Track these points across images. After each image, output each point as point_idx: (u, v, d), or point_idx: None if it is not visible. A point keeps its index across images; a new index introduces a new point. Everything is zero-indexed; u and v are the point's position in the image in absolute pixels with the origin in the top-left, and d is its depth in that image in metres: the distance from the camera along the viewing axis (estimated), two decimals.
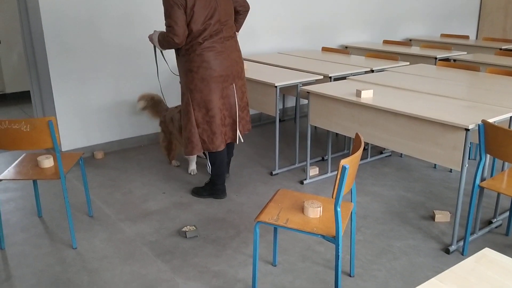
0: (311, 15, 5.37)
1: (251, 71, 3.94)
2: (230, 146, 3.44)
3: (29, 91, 4.45)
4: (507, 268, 1.25)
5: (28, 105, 5.59)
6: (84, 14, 3.90)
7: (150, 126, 4.46)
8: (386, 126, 2.85)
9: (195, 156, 3.78)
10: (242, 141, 3.24)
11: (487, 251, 1.33)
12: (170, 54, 3.22)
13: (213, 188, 3.30)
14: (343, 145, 4.39)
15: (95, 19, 3.96)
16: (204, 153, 3.28)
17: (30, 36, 4.10)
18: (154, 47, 3.24)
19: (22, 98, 5.95)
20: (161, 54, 3.30)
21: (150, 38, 3.14)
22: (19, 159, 2.87)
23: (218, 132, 3.09)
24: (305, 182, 3.57)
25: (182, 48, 2.98)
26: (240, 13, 3.24)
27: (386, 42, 5.79)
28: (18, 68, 5.92)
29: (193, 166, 3.77)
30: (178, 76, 3.17)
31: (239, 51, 3.17)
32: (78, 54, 3.95)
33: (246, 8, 3.26)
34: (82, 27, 3.92)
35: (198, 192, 3.35)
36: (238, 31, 3.28)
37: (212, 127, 3.07)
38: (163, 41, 2.95)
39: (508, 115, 2.65)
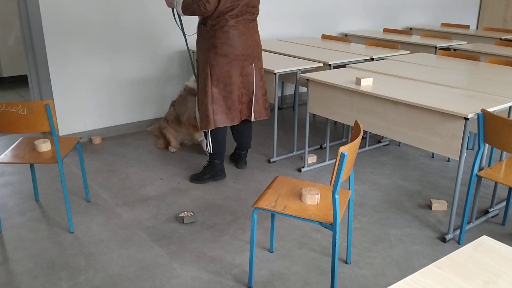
0: (311, 2, 5.33)
1: None
2: (248, 135, 3.49)
3: (26, 76, 4.42)
4: (504, 255, 1.25)
5: (25, 90, 5.55)
6: None
7: (148, 112, 4.44)
8: (385, 115, 2.85)
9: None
10: (254, 119, 3.30)
11: (484, 239, 1.33)
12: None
13: (212, 169, 3.34)
14: (341, 133, 4.38)
15: (93, 2, 3.92)
16: (204, 132, 3.32)
17: (27, 19, 4.05)
18: (172, 10, 3.24)
19: (19, 82, 5.91)
20: (175, 18, 3.31)
21: (169, 1, 3.13)
22: (16, 142, 2.86)
23: (233, 108, 3.18)
24: (303, 170, 3.57)
25: (208, 23, 3.04)
26: None
27: (386, 30, 5.76)
28: (15, 51, 5.86)
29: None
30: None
31: (258, 33, 3.25)
32: (76, 38, 3.91)
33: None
34: (80, 10, 3.87)
35: (197, 177, 3.36)
36: None
37: (227, 102, 3.16)
38: (193, 4, 2.94)
39: (507, 105, 2.64)
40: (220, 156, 3.34)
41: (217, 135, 3.27)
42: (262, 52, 4.24)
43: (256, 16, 3.21)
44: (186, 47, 4.00)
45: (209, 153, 3.33)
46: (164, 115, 4.08)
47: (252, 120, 3.31)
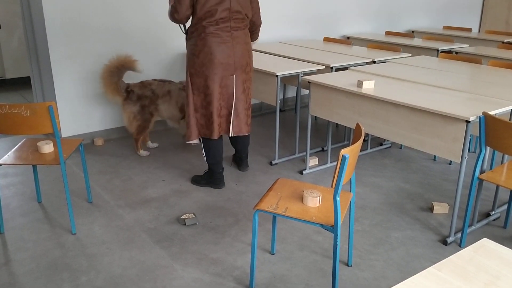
0: (313, 5, 5.34)
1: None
2: (244, 142, 3.40)
3: (29, 77, 4.44)
4: (505, 258, 1.25)
5: (28, 91, 5.58)
6: None
7: None
8: (387, 117, 2.85)
9: None
10: (232, 134, 3.16)
11: (485, 241, 1.33)
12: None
13: (211, 177, 3.30)
14: (343, 136, 4.39)
15: (96, 4, 3.94)
16: (199, 140, 3.23)
17: (30, 21, 4.07)
18: None
19: (22, 84, 5.94)
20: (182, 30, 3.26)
21: None
22: (19, 144, 2.87)
23: (211, 120, 3.08)
24: (304, 172, 3.57)
25: (189, 31, 3.00)
26: (251, 26, 3.18)
27: (388, 33, 5.76)
28: (18, 53, 5.89)
29: None
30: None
31: (247, 44, 3.09)
32: (79, 40, 3.93)
33: (256, 23, 3.20)
34: (83, 12, 3.89)
35: (196, 180, 3.36)
36: (253, 41, 3.27)
37: (207, 113, 3.07)
38: (169, 13, 2.98)
39: (509, 108, 2.64)
40: (217, 167, 3.26)
41: (208, 146, 3.18)
42: (264, 55, 4.26)
43: (246, 24, 3.07)
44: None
45: (205, 162, 3.28)
46: (153, 87, 3.76)
47: (230, 135, 3.17)
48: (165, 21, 4.29)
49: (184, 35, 3.31)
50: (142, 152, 3.87)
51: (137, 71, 3.74)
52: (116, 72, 3.65)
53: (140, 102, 3.72)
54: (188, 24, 3.06)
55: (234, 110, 3.12)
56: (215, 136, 3.11)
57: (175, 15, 2.90)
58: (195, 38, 2.96)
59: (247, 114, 3.20)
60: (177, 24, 3.09)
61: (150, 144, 4.03)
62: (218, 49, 2.94)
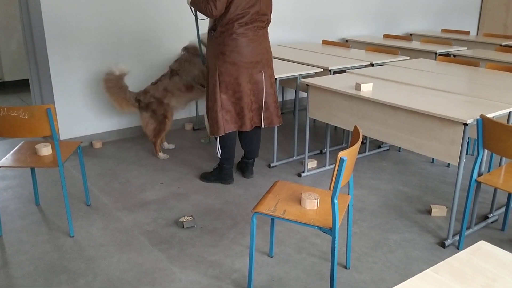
0: (312, 8, 5.35)
1: None
2: (256, 142, 3.46)
3: (27, 80, 4.44)
4: (502, 260, 1.26)
5: (26, 94, 5.57)
6: (84, 2, 3.88)
7: None
8: (385, 120, 2.86)
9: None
10: (264, 126, 3.30)
11: (482, 244, 1.33)
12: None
13: (221, 172, 3.38)
14: (341, 138, 4.39)
15: (95, 7, 3.94)
16: (215, 137, 3.31)
17: (29, 23, 4.08)
18: (191, 8, 3.20)
19: (21, 86, 5.93)
20: (193, 13, 3.24)
21: None
22: (17, 146, 2.87)
23: (242, 114, 3.19)
24: (303, 174, 3.58)
25: (217, 30, 3.05)
26: None
27: (386, 36, 5.78)
28: (17, 56, 5.89)
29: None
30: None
31: (268, 40, 3.26)
32: (77, 42, 3.94)
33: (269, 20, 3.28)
34: (82, 15, 3.90)
35: (206, 176, 3.43)
36: None
37: (236, 109, 3.18)
38: (201, 3, 2.94)
39: (507, 111, 2.65)
40: (229, 162, 3.38)
41: (225, 141, 3.29)
42: None
43: (267, 24, 3.21)
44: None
45: (218, 157, 3.37)
46: (152, 92, 3.78)
47: (262, 126, 3.31)
48: (163, 24, 4.31)
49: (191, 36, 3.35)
50: (161, 155, 3.88)
51: (125, 72, 3.75)
52: (116, 86, 3.71)
53: (150, 107, 3.79)
54: (202, 17, 3.09)
55: (264, 104, 3.25)
56: (245, 128, 3.24)
57: (213, 11, 2.91)
58: (224, 37, 3.04)
59: (277, 107, 3.35)
60: (191, 11, 3.16)
61: (166, 145, 4.06)
62: (247, 48, 3.07)
